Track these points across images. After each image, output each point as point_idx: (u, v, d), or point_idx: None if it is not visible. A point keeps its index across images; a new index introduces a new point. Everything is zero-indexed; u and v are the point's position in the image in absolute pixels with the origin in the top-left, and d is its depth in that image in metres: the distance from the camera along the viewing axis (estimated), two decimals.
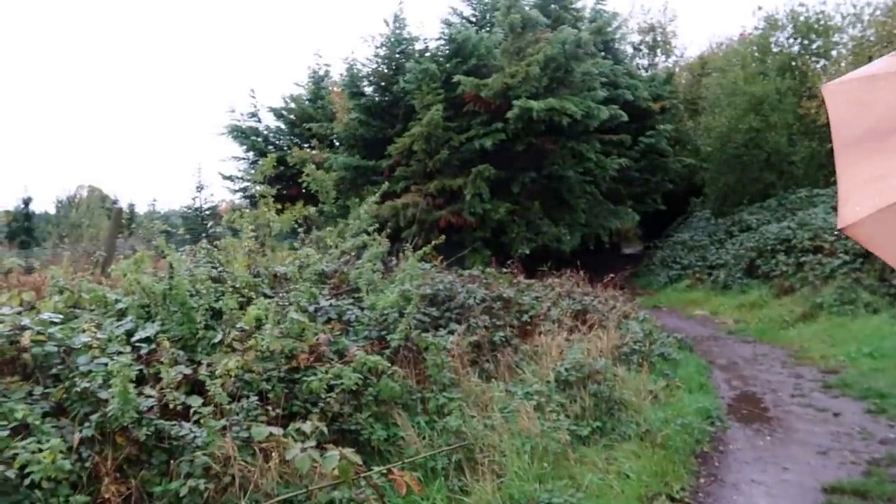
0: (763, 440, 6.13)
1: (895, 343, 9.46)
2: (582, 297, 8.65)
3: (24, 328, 4.30)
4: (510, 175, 16.99)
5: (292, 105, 21.46)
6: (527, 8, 18.42)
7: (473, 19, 21.30)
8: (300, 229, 9.14)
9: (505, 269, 9.14)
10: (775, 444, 6.01)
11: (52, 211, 27.47)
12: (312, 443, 3.65)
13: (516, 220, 16.77)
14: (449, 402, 4.81)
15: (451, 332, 5.87)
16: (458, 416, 4.61)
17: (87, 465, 3.47)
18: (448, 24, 20.09)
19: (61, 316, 4.83)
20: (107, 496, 3.35)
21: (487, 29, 19.64)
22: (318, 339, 4.83)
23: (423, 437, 4.54)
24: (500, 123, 16.60)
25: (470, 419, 4.63)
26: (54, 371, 4.11)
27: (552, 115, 16.20)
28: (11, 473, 3.17)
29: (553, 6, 21.42)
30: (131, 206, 25.06)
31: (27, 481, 3.18)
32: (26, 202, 25.93)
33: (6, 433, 3.43)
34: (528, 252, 15.87)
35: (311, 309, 5.51)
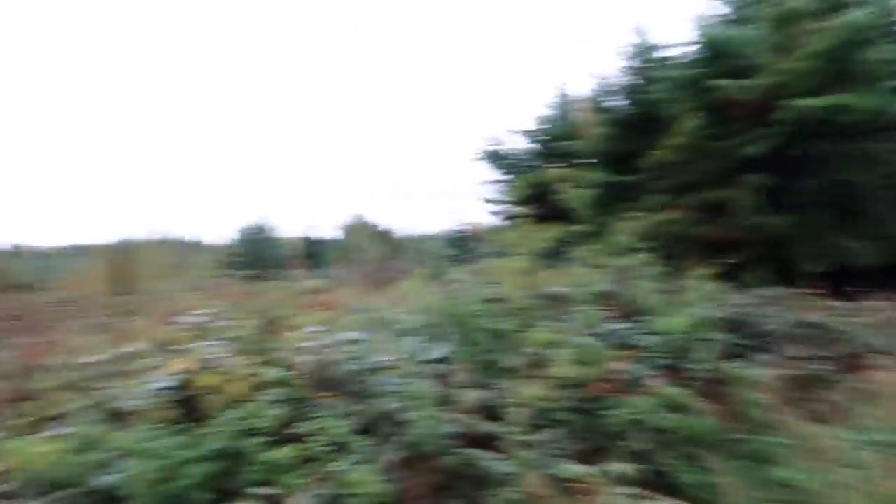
0: None
1: None
2: None
3: (329, 346, 4.51)
4: (784, 183, 15.18)
5: (544, 126, 21.63)
6: None
7: (730, 17, 19.66)
8: (561, 248, 8.89)
9: (809, 290, 7.97)
10: None
11: (334, 237, 30.70)
12: (630, 489, 3.28)
13: (798, 233, 14.87)
14: (768, 447, 4.12)
15: (759, 363, 5.12)
16: (788, 466, 3.91)
17: (397, 487, 3.44)
18: (702, 25, 18.75)
19: (362, 335, 5.02)
20: None
21: (747, 25, 17.97)
22: (613, 367, 4.45)
23: (745, 487, 3.91)
24: (768, 127, 14.94)
25: (807, 471, 3.90)
26: (359, 389, 4.22)
27: (831, 113, 14.17)
28: (336, 490, 3.23)
29: None
30: (394, 230, 27.08)
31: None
32: (311, 229, 29.49)
33: (328, 449, 3.55)
34: (816, 270, 13.94)
35: (599, 333, 5.16)
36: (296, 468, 3.38)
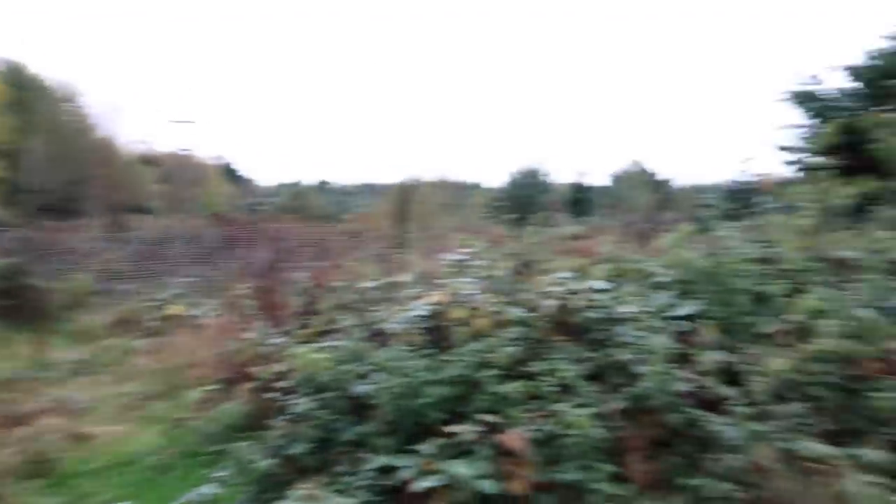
0: None
1: None
2: None
3: (573, 293, 4.60)
4: None
5: (873, 60, 18.22)
6: None
7: None
8: (865, 207, 7.71)
9: None
10: None
11: (606, 184, 30.18)
12: (877, 477, 2.91)
13: None
14: None
15: None
16: None
17: (615, 435, 3.47)
18: None
19: (610, 284, 5.02)
20: (632, 473, 3.29)
21: None
22: (893, 346, 3.87)
23: None
24: None
25: None
26: (597, 337, 4.26)
27: None
28: (554, 429, 3.37)
29: None
30: (670, 179, 25.54)
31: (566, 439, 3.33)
32: (581, 176, 29.44)
33: (555, 389, 3.69)
34: None
35: (886, 306, 4.49)
36: (522, 403, 3.58)
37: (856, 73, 18.78)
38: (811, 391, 3.62)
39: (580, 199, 27.57)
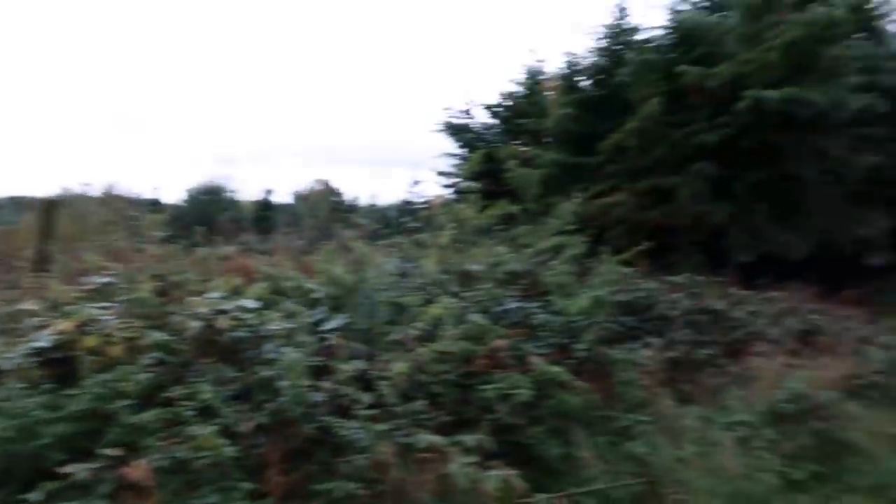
0: None
1: None
2: (807, 315, 7.47)
3: (222, 312, 4.56)
4: (734, 174, 15.39)
5: (507, 102, 21.49)
6: None
7: (707, 4, 19.61)
8: (500, 227, 8.97)
9: (718, 278, 8.23)
10: None
11: (289, 202, 30.43)
12: (474, 458, 3.41)
13: (737, 223, 15.14)
14: (635, 425, 4.31)
15: (647, 346, 5.32)
16: (644, 441, 4.11)
17: (257, 452, 3.54)
18: (676, 10, 18.71)
19: (259, 302, 5.07)
20: (270, 487, 3.38)
21: (721, 14, 17.97)
22: (497, 344, 4.58)
23: (603, 460, 4.10)
24: (726, 117, 15.06)
25: (658, 447, 4.10)
26: (245, 356, 4.29)
27: (790, 106, 14.30)
28: (188, 454, 3.31)
29: None
30: (354, 199, 26.77)
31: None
32: (268, 193, 29.42)
33: (193, 413, 3.62)
34: (748, 260, 14.26)
35: (496, 311, 5.28)
36: (159, 431, 3.45)
37: (493, 110, 21.96)
38: (432, 389, 4.11)
39: (265, 217, 27.40)
